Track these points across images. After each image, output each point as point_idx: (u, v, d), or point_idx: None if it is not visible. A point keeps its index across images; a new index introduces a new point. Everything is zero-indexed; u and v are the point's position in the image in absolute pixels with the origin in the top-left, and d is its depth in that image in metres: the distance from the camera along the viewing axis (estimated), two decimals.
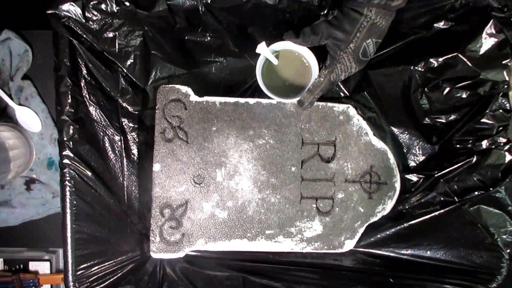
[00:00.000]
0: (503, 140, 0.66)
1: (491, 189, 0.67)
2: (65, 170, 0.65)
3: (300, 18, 0.67)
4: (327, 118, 0.74)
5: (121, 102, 0.71)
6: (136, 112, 0.74)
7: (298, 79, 0.71)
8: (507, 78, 0.64)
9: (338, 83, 0.65)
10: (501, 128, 0.65)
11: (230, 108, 0.73)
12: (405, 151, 0.77)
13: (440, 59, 0.65)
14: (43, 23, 0.65)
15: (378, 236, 0.76)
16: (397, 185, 0.75)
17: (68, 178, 0.65)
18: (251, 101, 0.73)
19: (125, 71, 0.71)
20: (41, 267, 0.82)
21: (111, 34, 0.67)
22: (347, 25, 0.58)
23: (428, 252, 0.73)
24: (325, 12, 0.64)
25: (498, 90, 0.64)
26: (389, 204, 0.75)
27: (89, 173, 0.67)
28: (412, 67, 0.67)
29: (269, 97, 0.70)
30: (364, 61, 0.62)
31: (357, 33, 0.58)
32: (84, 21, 0.64)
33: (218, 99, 0.73)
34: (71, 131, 0.65)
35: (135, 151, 0.74)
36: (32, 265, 0.82)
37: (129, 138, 0.73)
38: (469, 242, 0.70)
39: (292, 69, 0.71)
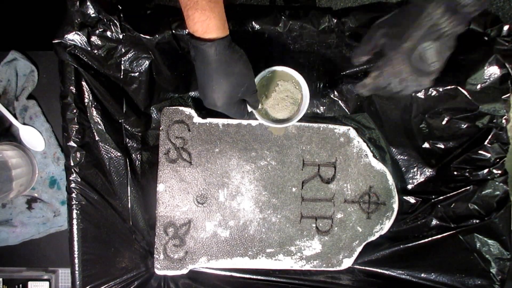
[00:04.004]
0: (499, 171, 0.69)
1: (486, 218, 0.70)
2: (72, 195, 0.66)
3: (305, 44, 0.70)
4: (327, 140, 0.76)
5: (125, 124, 0.72)
6: (140, 133, 0.75)
7: (291, 104, 0.71)
8: (505, 113, 0.66)
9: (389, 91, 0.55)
10: (498, 160, 0.68)
11: (233, 129, 0.75)
12: (403, 172, 0.79)
13: (441, 89, 0.67)
14: (48, 44, 0.65)
15: (376, 255, 0.78)
16: (395, 206, 0.77)
17: (75, 203, 0.67)
18: (253, 123, 0.75)
19: (129, 94, 0.72)
20: (41, 287, 0.82)
21: (116, 60, 0.68)
22: (403, 19, 0.50)
23: (423, 274, 0.75)
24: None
25: (496, 124, 0.67)
26: (387, 224, 0.77)
27: (95, 196, 0.68)
28: (413, 94, 0.69)
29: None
30: (421, 72, 0.51)
31: (413, 31, 0.48)
32: (89, 48, 0.65)
33: (221, 121, 0.75)
34: (78, 157, 0.66)
35: (139, 170, 0.75)
36: (32, 285, 0.81)
37: (133, 158, 0.74)
38: (463, 267, 0.72)
39: (285, 94, 0.71)
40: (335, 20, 0.65)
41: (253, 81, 0.61)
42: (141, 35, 0.64)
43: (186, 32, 0.58)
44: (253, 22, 0.66)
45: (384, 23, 0.53)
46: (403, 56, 0.50)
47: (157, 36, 0.64)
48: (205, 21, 0.53)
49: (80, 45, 0.64)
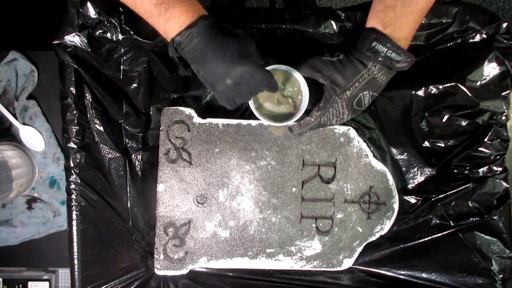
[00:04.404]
0: (500, 169, 0.68)
1: (486, 216, 0.69)
2: (72, 196, 0.67)
3: (305, 45, 0.70)
4: (327, 140, 0.76)
5: (125, 125, 0.72)
6: (140, 134, 0.75)
7: (290, 103, 0.71)
8: (505, 110, 0.66)
9: (329, 126, 0.67)
10: (498, 157, 0.68)
11: (233, 129, 0.75)
12: (404, 171, 0.79)
13: (440, 87, 0.67)
14: (48, 44, 0.65)
15: (376, 255, 0.78)
16: (396, 206, 0.77)
17: (75, 204, 0.67)
18: (253, 123, 0.75)
19: (129, 95, 0.72)
20: (40, 287, 0.82)
21: (116, 60, 0.68)
22: (349, 72, 0.59)
23: (424, 274, 0.75)
24: (332, 53, 0.63)
25: (496, 121, 0.66)
26: (387, 224, 0.77)
27: (95, 197, 0.68)
28: (413, 92, 0.69)
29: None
30: (358, 110, 0.62)
31: (356, 82, 0.59)
32: (89, 49, 0.65)
33: (221, 121, 0.75)
34: (78, 158, 0.67)
35: (139, 171, 0.75)
36: (31, 285, 0.81)
37: (133, 158, 0.74)
38: (464, 266, 0.72)
39: (285, 93, 0.71)
40: (335, 23, 0.65)
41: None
42: (141, 39, 0.64)
43: (170, 41, 0.55)
44: (253, 25, 0.66)
45: (331, 66, 0.60)
46: (346, 101, 0.61)
47: (156, 40, 0.64)
48: (189, 9, 0.53)
49: (80, 46, 0.64)
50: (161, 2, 0.53)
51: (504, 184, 0.69)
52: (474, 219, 0.71)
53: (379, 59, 0.57)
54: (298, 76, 0.68)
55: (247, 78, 0.54)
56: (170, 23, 0.53)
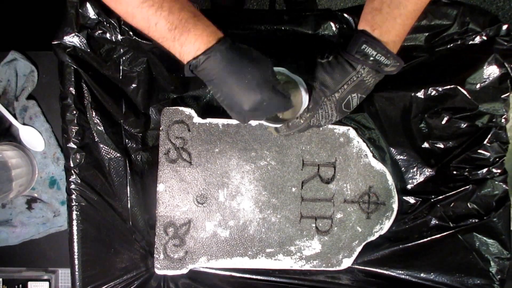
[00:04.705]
0: (499, 171, 0.68)
1: (485, 217, 0.70)
2: (72, 196, 0.67)
3: (304, 46, 0.70)
4: (327, 140, 0.76)
5: (124, 125, 0.73)
6: (139, 134, 0.75)
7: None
8: (505, 112, 0.66)
9: (318, 126, 0.65)
10: (497, 159, 0.68)
11: (233, 129, 0.75)
12: (403, 172, 0.79)
13: (440, 89, 0.67)
14: (48, 45, 0.65)
15: (375, 255, 0.78)
16: (395, 206, 0.77)
17: (75, 204, 0.67)
18: (253, 123, 0.75)
19: (128, 95, 0.72)
20: (40, 287, 0.82)
21: (115, 61, 0.68)
22: (338, 74, 0.59)
23: (422, 274, 0.75)
24: (322, 54, 0.63)
25: (496, 123, 0.66)
26: (387, 224, 0.77)
27: (95, 197, 0.68)
28: (412, 94, 0.69)
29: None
30: (345, 112, 0.62)
31: (345, 84, 0.59)
32: (89, 50, 0.64)
33: (221, 121, 0.75)
34: (78, 158, 0.66)
35: (139, 171, 0.75)
36: (31, 285, 0.81)
37: (132, 158, 0.74)
38: (462, 266, 0.72)
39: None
40: (334, 24, 0.65)
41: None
42: (140, 40, 0.64)
43: (186, 64, 0.54)
44: (253, 27, 0.66)
45: (320, 68, 0.61)
46: (334, 103, 0.61)
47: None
48: (203, 33, 0.53)
49: (79, 46, 0.64)
50: (175, 27, 0.52)
51: (503, 186, 0.69)
52: (473, 221, 0.71)
53: (368, 62, 0.57)
54: (296, 78, 0.68)
55: (264, 106, 0.55)
56: (185, 48, 0.53)
